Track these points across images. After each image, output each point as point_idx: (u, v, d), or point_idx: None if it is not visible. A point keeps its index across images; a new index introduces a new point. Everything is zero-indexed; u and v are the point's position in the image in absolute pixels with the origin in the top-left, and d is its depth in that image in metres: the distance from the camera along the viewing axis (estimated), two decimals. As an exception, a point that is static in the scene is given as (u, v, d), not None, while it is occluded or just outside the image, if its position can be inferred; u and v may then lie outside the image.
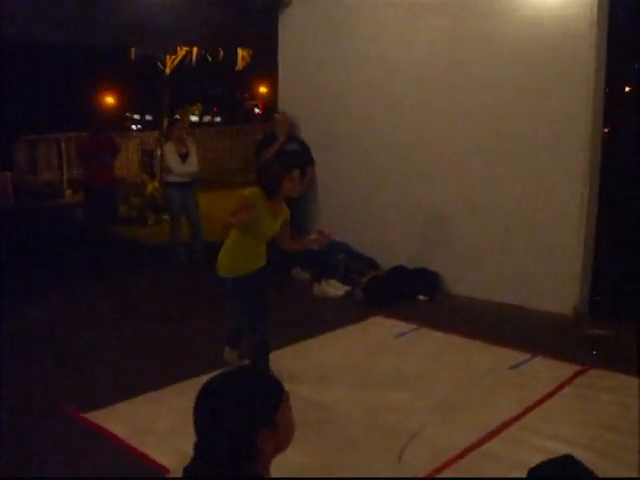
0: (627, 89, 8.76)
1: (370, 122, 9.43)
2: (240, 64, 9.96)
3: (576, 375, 6.18)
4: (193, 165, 10.21)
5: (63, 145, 17.54)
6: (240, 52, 10.37)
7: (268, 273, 6.16)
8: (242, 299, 5.99)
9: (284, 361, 6.31)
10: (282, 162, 5.97)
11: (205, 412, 2.21)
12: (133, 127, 32.57)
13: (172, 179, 10.23)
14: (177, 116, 13.55)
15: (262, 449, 2.20)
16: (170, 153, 10.10)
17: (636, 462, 4.87)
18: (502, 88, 8.19)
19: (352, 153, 9.68)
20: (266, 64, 11.00)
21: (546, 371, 6.39)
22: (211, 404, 2.22)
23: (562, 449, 4.91)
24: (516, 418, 5.43)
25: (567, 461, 2.20)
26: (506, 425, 5.36)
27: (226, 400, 2.21)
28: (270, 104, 10.84)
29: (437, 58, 8.71)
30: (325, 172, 10.01)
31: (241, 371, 2.34)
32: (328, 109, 9.86)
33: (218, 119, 39.06)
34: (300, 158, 9.62)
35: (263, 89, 37.79)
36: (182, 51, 13.27)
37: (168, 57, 14.30)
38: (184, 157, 10.11)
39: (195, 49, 12.73)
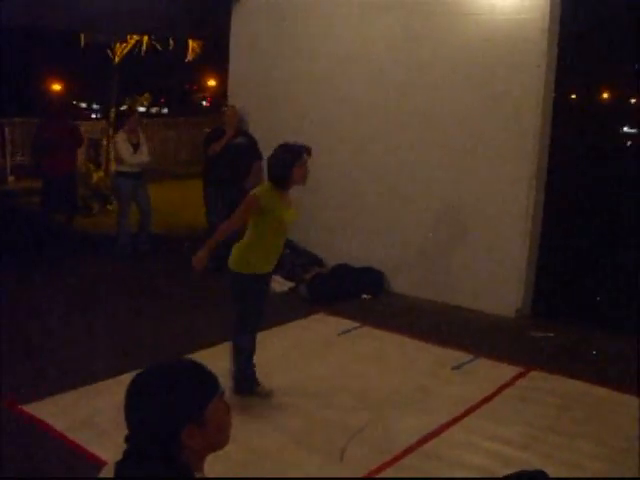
0: (573, 96, 8.87)
1: (320, 118, 9.39)
2: (190, 55, 9.84)
3: (518, 377, 6.24)
4: (144, 155, 10.10)
5: (7, 130, 17.21)
6: (191, 43, 10.26)
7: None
8: (248, 299, 5.79)
9: (226, 357, 6.27)
10: (291, 151, 5.74)
11: (133, 405, 2.15)
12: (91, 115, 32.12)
13: (123, 169, 10.09)
14: (125, 106, 13.39)
15: (188, 445, 2.11)
16: (122, 142, 9.96)
17: (576, 462, 4.95)
18: (454, 89, 8.23)
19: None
20: (216, 57, 10.91)
21: (488, 372, 6.44)
22: (139, 397, 2.15)
23: (503, 450, 4.99)
24: (457, 419, 5.46)
25: (539, 476, 2.19)
26: (447, 425, 5.39)
27: (153, 393, 2.14)
28: (218, 98, 10.74)
29: (390, 56, 8.72)
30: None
31: (174, 364, 2.24)
32: (278, 104, 9.81)
33: (166, 110, 38.72)
34: (248, 152, 9.59)
35: (212, 82, 37.61)
36: (132, 40, 13.10)
37: (118, 45, 14.11)
38: (136, 147, 9.99)
39: (146, 38, 12.58)
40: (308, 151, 5.76)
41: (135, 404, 2.15)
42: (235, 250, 5.76)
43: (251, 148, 9.69)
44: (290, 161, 5.64)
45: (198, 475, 2.14)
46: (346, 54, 9.09)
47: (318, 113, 9.41)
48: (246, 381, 5.83)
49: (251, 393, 5.78)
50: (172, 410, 2.12)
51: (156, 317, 7.48)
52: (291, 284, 8.89)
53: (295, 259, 9.26)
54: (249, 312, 5.81)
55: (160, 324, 6.87)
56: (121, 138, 10.04)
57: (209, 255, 5.68)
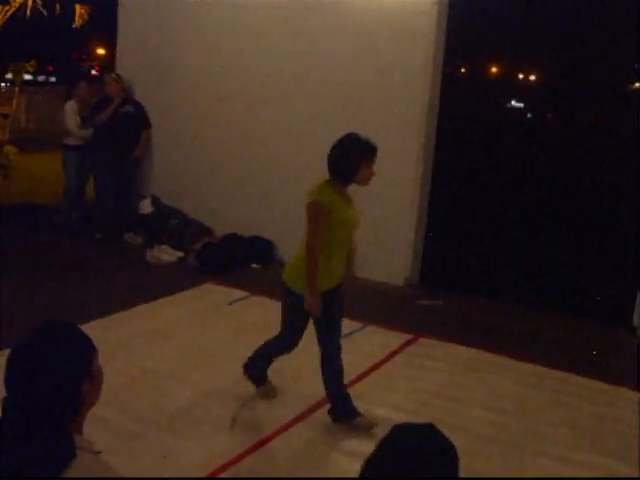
0: (463, 70, 8.99)
1: (208, 88, 9.29)
2: (77, 21, 9.53)
3: (407, 344, 6.32)
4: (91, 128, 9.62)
5: None
6: (78, 9, 9.94)
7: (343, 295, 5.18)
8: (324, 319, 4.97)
9: (115, 327, 6.17)
10: (362, 145, 5.03)
11: (24, 369, 2.12)
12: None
13: (70, 142, 9.65)
14: (9, 74, 12.87)
15: (86, 401, 2.19)
16: (72, 114, 9.57)
17: (463, 426, 5.05)
18: (344, 59, 8.26)
19: (189, 119, 9.52)
20: (105, 25, 10.61)
21: (377, 340, 6.51)
22: (29, 361, 2.13)
23: (392, 416, 5.04)
24: (348, 386, 5.49)
25: (430, 430, 2.20)
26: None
27: (46, 355, 2.14)
28: (109, 66, 10.40)
29: (279, 27, 8.66)
30: (161, 137, 9.79)
31: (54, 326, 2.25)
32: (166, 73, 9.64)
33: (53, 79, 37.67)
34: (136, 121, 9.45)
35: (101, 51, 36.77)
36: (16, 3, 12.61)
37: (0, 8, 13.57)
38: (84, 119, 9.59)
39: (30, 1, 12.14)
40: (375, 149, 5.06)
41: (27, 368, 2.12)
42: (293, 268, 5.07)
43: (140, 117, 9.54)
44: (360, 157, 4.98)
45: (78, 437, 2.14)
46: (234, 25, 9.00)
47: (207, 83, 9.31)
48: (345, 404, 4.99)
49: (352, 416, 4.93)
50: (72, 368, 2.15)
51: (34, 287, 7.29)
52: (180, 254, 8.81)
53: (184, 229, 9.17)
54: (331, 328, 5.06)
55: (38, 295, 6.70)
56: (71, 108, 9.61)
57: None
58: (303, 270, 4.87)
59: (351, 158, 4.96)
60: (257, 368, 5.36)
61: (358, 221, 5.17)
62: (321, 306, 4.83)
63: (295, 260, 5.08)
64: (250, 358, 5.37)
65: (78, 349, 2.22)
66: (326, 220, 4.87)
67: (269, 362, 5.40)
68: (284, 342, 5.28)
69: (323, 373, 5.02)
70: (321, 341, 5.05)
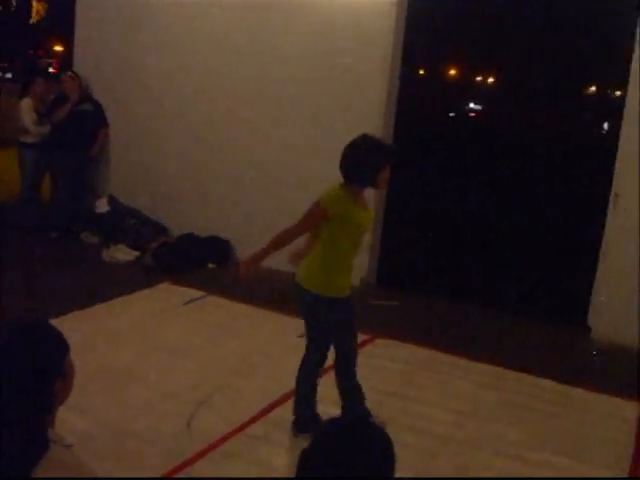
0: (421, 71, 9.04)
1: (167, 88, 9.25)
2: (34, 17, 9.41)
3: (363, 344, 6.31)
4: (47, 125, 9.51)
5: None
6: (35, 5, 9.82)
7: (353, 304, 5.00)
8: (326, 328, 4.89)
9: (70, 327, 6.08)
10: (382, 150, 4.74)
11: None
12: None
13: (26, 139, 9.51)
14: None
15: (58, 398, 2.22)
16: (28, 111, 9.42)
17: (418, 426, 5.11)
18: (302, 60, 8.27)
19: (147, 118, 9.46)
20: (63, 21, 10.50)
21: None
22: (2, 358, 2.15)
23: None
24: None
25: (364, 423, 2.21)
26: (293, 392, 5.42)
27: (19, 352, 2.17)
28: (67, 63, 10.31)
29: (235, 24, 8.65)
30: (119, 135, 9.72)
31: (27, 324, 2.27)
32: (125, 72, 9.56)
33: (9, 75, 37.22)
34: (94, 119, 9.39)
35: (59, 47, 36.41)
36: (-28, -1, 12.43)
37: (-43, 4, 13.40)
38: (41, 116, 9.43)
39: (-15, -2, 11.98)
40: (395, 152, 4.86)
41: (3, 366, 2.14)
42: (308, 268, 4.88)
43: (97, 115, 9.48)
44: (381, 161, 4.67)
45: (50, 430, 2.16)
46: (194, 24, 8.97)
47: (166, 83, 9.27)
48: (305, 423, 4.88)
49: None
50: (46, 365, 2.19)
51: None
52: (136, 253, 8.75)
53: (140, 228, 9.11)
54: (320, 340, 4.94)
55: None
56: (27, 106, 9.45)
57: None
58: (316, 269, 4.78)
59: (371, 163, 4.64)
60: (305, 422, 4.91)
61: (371, 222, 5.02)
62: (323, 311, 4.76)
63: (309, 260, 4.90)
64: (294, 412, 4.98)
65: (51, 347, 2.25)
66: (332, 222, 4.65)
67: (313, 397, 5.03)
68: (314, 354, 4.97)
69: (298, 371, 4.98)
70: (309, 343, 4.97)
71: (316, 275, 4.77)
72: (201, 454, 4.52)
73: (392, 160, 4.73)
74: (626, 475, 4.77)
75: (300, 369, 4.99)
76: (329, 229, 4.67)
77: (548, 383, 6.15)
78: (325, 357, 5.00)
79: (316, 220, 4.71)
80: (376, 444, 2.09)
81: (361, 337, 6.17)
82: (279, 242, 4.90)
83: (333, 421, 2.16)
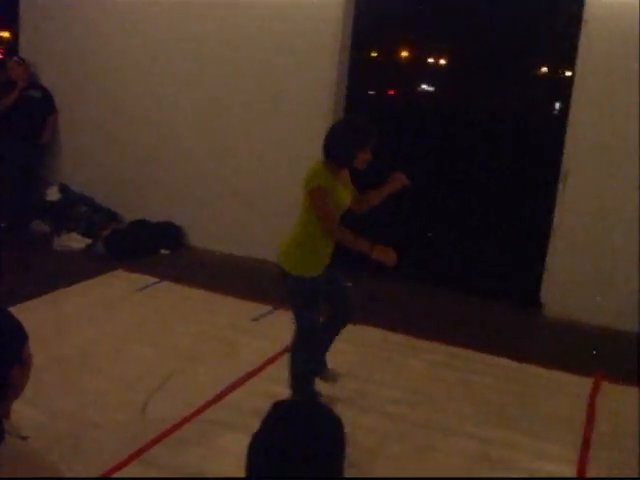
0: (374, 54, 9.06)
1: (117, 73, 9.13)
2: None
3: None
4: None
5: None
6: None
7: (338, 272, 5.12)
8: (310, 305, 4.89)
9: (22, 316, 6.02)
10: (360, 130, 4.72)
11: None
12: None
13: None
14: None
15: (15, 385, 2.18)
16: None
17: (373, 406, 5.16)
18: (254, 44, 8.24)
19: (97, 104, 9.34)
20: (9, 6, 10.30)
21: (287, 323, 6.49)
22: None
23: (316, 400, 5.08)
24: (258, 369, 5.52)
25: (310, 404, 2.22)
26: (249, 376, 5.45)
27: None
28: (13, 50, 10.05)
29: (184, 11, 8.58)
30: (69, 123, 9.59)
31: None
32: (73, 57, 9.41)
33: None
34: (42, 106, 9.26)
35: (5, 34, 35.86)
36: None
37: None
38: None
39: None
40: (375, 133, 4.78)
41: None
42: (289, 249, 4.89)
43: (46, 102, 9.35)
44: (358, 142, 4.69)
45: (6, 421, 2.12)
46: (139, 10, 8.86)
47: (116, 68, 9.15)
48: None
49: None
50: (3, 352, 2.16)
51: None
52: (88, 241, 8.68)
53: (92, 215, 9.04)
54: (313, 321, 4.95)
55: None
56: None
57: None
58: (298, 252, 4.81)
59: (349, 143, 4.68)
60: (303, 390, 4.96)
61: (349, 199, 4.98)
62: (304, 290, 4.80)
63: (289, 241, 4.91)
64: (291, 387, 5.01)
65: (9, 334, 2.22)
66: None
67: (311, 371, 5.05)
68: (304, 331, 4.94)
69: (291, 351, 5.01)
70: (296, 321, 4.95)
71: (297, 256, 4.81)
72: (156, 440, 4.51)
73: (371, 142, 4.74)
74: (577, 450, 4.84)
75: (292, 347, 5.02)
76: (310, 208, 4.69)
77: (501, 360, 6.22)
78: (314, 331, 4.99)
79: (328, 202, 4.66)
80: (324, 425, 2.10)
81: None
82: (346, 239, 4.79)
83: (278, 404, 2.17)
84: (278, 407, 2.13)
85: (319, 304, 4.90)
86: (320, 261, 4.83)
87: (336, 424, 2.12)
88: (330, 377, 5.25)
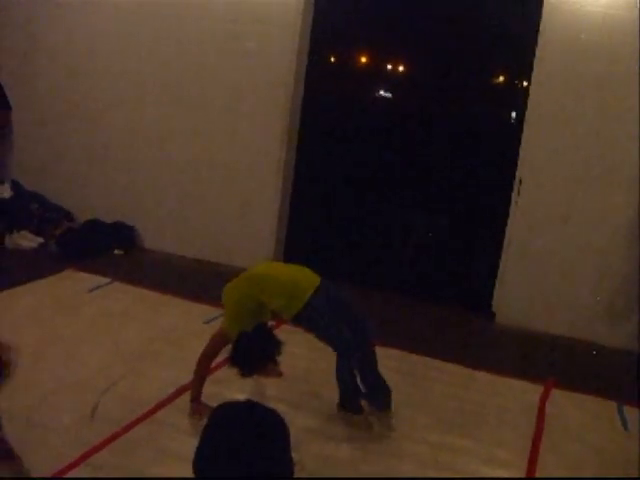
0: (332, 59, 9.06)
1: (70, 69, 9.04)
2: None
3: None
4: None
5: None
6: None
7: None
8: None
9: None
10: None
11: None
12: None
13: None
14: None
15: None
16: None
17: (321, 409, 5.18)
18: (210, 48, 8.23)
19: (50, 100, 9.24)
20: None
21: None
22: None
23: (253, 400, 5.06)
24: (210, 371, 5.47)
25: (251, 405, 2.24)
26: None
27: None
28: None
29: (140, 11, 8.53)
30: (22, 119, 9.46)
31: None
32: (27, 53, 9.31)
33: None
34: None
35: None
36: None
37: None
38: None
39: None
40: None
41: None
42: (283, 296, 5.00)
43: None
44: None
45: None
46: (97, 8, 8.79)
47: (69, 65, 9.04)
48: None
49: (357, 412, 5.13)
50: None
51: None
52: (40, 240, 8.59)
53: (44, 214, 8.94)
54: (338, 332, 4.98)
55: None
56: None
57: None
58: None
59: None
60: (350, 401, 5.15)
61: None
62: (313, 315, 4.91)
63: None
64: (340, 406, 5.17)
65: None
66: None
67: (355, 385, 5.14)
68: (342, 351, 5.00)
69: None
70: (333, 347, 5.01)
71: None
72: (105, 443, 4.46)
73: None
74: (526, 455, 4.88)
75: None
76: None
77: (453, 367, 6.25)
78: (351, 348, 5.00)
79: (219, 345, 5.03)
80: (266, 425, 2.10)
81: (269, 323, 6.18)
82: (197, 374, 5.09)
83: (220, 406, 2.18)
84: (220, 409, 2.14)
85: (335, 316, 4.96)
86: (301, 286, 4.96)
87: (279, 423, 2.13)
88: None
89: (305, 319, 4.94)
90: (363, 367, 5.16)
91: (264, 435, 2.05)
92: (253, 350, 4.74)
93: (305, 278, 5.07)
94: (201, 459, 2.03)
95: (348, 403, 5.10)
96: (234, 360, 4.79)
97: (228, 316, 4.98)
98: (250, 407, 2.22)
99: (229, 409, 2.19)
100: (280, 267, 5.64)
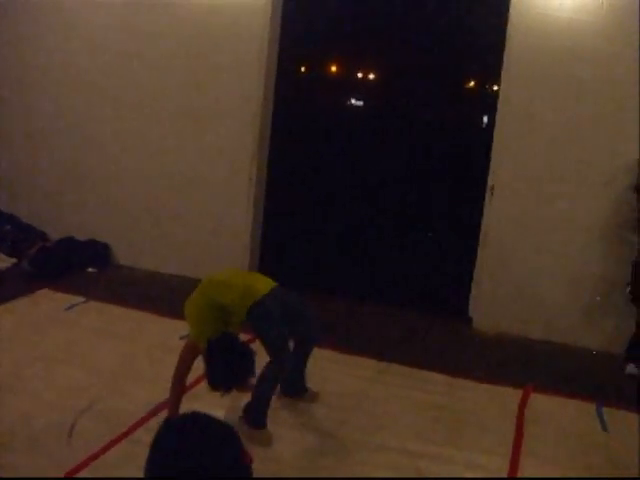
0: (303, 69, 9.10)
1: (43, 86, 8.98)
2: None
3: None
4: None
5: None
6: None
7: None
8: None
9: None
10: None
11: None
12: None
13: None
14: None
15: None
16: None
17: (301, 423, 5.16)
18: (181, 59, 8.23)
19: (20, 118, 9.19)
20: None
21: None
22: None
23: (225, 415, 5.08)
24: (189, 387, 5.44)
25: (197, 416, 2.24)
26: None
27: None
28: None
29: (112, 23, 8.50)
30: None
31: None
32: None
33: None
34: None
35: None
36: None
37: None
38: None
39: None
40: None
41: None
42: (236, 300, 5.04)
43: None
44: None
45: None
46: (68, 21, 8.74)
47: (42, 81, 9.00)
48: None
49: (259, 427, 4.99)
50: None
51: None
52: (14, 260, 8.52)
53: (18, 234, 8.88)
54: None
55: None
56: None
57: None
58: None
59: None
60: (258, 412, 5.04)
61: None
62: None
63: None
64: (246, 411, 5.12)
65: None
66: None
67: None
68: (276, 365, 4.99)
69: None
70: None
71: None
72: (84, 464, 4.43)
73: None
74: (507, 460, 4.88)
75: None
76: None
77: (431, 375, 6.25)
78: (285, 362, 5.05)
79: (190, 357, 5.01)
80: (216, 436, 2.10)
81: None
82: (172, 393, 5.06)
83: (167, 421, 2.19)
84: (166, 424, 2.14)
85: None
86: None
87: (230, 434, 2.13)
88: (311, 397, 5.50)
89: (255, 316, 4.93)
90: (295, 367, 5.32)
91: (214, 447, 2.05)
92: (227, 364, 4.67)
93: (261, 280, 5.23)
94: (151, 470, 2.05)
95: (255, 413, 5.00)
96: (210, 380, 4.73)
97: (192, 326, 4.97)
98: (201, 419, 2.22)
99: (179, 421, 2.20)
100: (236, 271, 5.90)
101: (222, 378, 4.67)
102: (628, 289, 6.77)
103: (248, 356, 4.69)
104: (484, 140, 7.57)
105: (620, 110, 6.89)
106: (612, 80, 6.90)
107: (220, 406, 5.14)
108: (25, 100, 9.12)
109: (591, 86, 6.98)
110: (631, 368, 6.64)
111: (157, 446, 2.07)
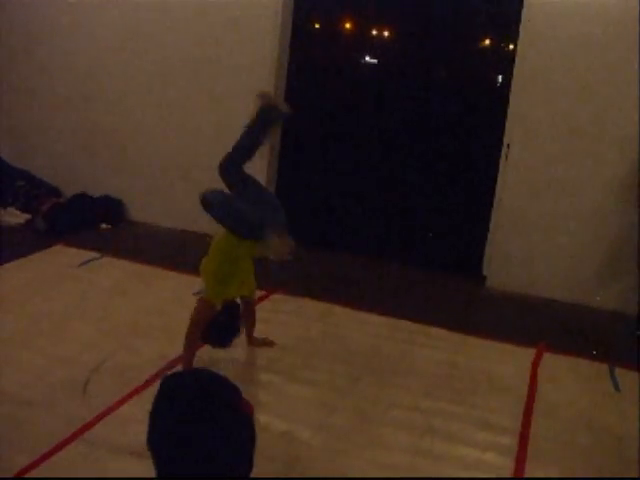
0: (317, 25, 9.02)
1: (54, 42, 8.94)
2: None
3: (260, 300, 6.30)
4: None
5: None
6: None
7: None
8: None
9: None
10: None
11: None
12: None
13: None
14: None
15: None
16: None
17: (317, 379, 5.15)
18: (190, 13, 8.15)
19: (32, 75, 9.14)
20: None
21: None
22: None
23: (245, 372, 5.08)
24: (201, 345, 5.47)
25: (206, 374, 2.24)
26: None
27: None
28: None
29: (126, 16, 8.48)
30: (3, 94, 9.37)
31: None
32: (9, 25, 9.16)
33: None
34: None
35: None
36: None
37: None
38: None
39: None
40: None
41: None
42: (207, 272, 5.15)
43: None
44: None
45: None
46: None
47: (53, 37, 8.95)
48: None
49: None
50: None
51: None
52: (27, 216, 8.52)
53: (31, 190, 8.87)
54: None
55: None
56: None
57: None
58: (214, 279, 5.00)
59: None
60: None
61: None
62: None
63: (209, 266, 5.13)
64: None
65: None
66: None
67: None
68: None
69: None
70: None
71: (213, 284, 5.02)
72: (99, 418, 4.45)
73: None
74: (519, 420, 4.89)
75: None
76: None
77: (444, 332, 6.25)
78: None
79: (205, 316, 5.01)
80: (217, 392, 2.10)
81: (258, 293, 6.15)
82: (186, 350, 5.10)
83: (167, 377, 2.19)
84: (167, 380, 2.14)
85: None
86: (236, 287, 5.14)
87: (231, 389, 2.12)
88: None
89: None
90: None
91: (211, 399, 2.05)
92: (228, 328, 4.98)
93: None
94: (153, 433, 2.05)
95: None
96: (208, 337, 4.98)
97: (210, 286, 4.98)
98: (200, 375, 2.22)
99: (175, 378, 2.20)
100: None
101: (218, 338, 5.00)
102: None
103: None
104: (499, 99, 7.52)
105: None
106: (632, 39, 6.80)
107: (232, 362, 5.13)
108: (36, 57, 9.07)
109: (610, 44, 6.90)
110: (644, 329, 6.64)
111: (157, 405, 2.07)
